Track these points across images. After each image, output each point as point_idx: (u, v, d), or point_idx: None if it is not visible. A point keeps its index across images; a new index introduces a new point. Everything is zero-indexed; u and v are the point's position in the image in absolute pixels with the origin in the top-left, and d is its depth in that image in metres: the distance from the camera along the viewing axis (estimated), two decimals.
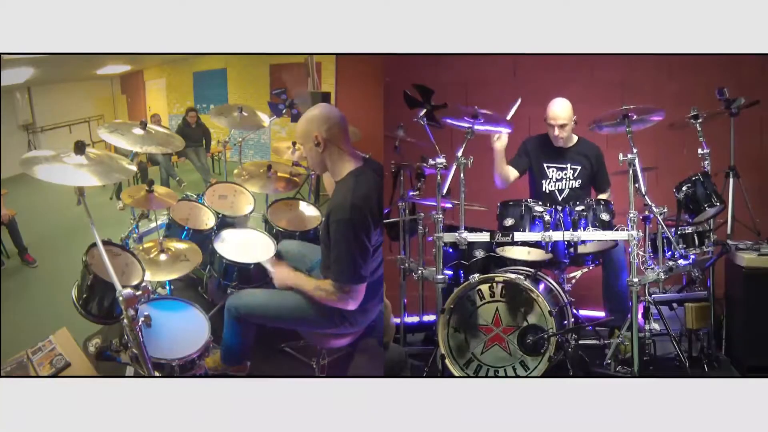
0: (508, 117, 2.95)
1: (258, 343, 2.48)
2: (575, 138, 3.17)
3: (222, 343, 2.46)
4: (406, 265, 3.09)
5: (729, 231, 2.95)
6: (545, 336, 2.49)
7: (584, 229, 2.67)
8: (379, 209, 2.13)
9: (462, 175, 2.71)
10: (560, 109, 3.06)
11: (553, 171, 3.17)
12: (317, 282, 2.23)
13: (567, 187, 3.15)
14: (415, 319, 3.36)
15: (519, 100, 3.03)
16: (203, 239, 3.05)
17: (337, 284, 2.14)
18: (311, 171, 3.71)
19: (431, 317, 3.27)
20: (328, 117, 2.15)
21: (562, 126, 3.06)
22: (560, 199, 3.13)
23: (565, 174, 3.15)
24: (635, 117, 2.75)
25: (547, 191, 3.16)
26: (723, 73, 3.42)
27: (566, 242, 2.71)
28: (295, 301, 2.30)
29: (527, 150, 3.22)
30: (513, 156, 3.24)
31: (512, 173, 3.20)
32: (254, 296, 2.44)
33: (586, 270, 3.04)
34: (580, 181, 3.14)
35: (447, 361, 2.58)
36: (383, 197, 2.37)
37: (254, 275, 2.86)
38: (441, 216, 2.68)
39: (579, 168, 3.14)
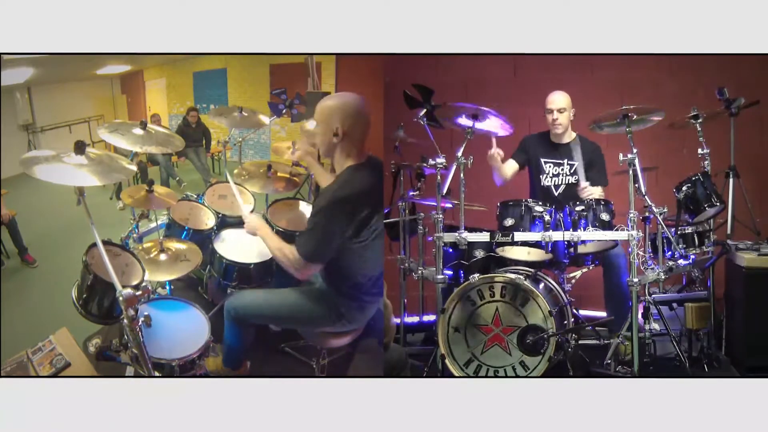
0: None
1: (258, 343, 2.48)
2: (573, 134, 3.18)
3: (223, 345, 2.46)
4: (406, 265, 3.09)
5: (729, 231, 2.95)
6: (545, 336, 2.49)
7: (584, 229, 2.67)
8: (362, 207, 2.10)
9: (462, 175, 2.71)
10: (560, 96, 3.10)
11: (550, 166, 3.18)
12: (282, 244, 2.24)
13: (563, 182, 3.16)
14: (415, 319, 3.36)
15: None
16: (203, 239, 3.05)
17: (298, 253, 2.13)
18: (311, 171, 3.71)
19: (431, 317, 3.27)
20: (357, 113, 2.13)
21: (560, 110, 3.07)
22: (556, 194, 3.14)
23: (562, 169, 3.16)
24: (635, 117, 2.75)
25: (545, 186, 3.18)
26: (723, 73, 3.42)
27: (566, 242, 2.72)
28: (293, 300, 2.31)
29: (526, 146, 3.25)
30: (513, 152, 3.25)
31: (511, 169, 3.22)
32: (252, 297, 2.46)
33: (586, 270, 3.04)
34: (577, 177, 3.13)
35: (447, 361, 2.58)
36: (382, 196, 2.36)
37: (254, 275, 2.85)
38: (441, 216, 2.68)
39: (575, 164, 3.14)
